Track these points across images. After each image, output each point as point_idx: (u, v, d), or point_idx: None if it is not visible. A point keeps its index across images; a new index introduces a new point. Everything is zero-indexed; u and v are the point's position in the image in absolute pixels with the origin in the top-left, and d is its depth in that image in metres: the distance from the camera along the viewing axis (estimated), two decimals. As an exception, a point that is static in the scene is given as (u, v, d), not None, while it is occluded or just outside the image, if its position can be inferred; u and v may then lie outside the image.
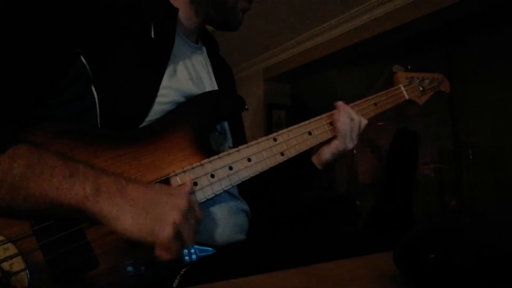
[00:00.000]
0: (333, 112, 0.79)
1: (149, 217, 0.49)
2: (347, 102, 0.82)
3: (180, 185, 0.58)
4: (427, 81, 0.95)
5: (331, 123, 0.78)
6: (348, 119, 0.78)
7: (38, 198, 0.47)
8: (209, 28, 0.84)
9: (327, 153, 0.80)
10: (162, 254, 0.50)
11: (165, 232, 0.49)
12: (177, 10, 0.68)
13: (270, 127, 3.60)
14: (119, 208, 0.48)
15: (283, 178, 0.86)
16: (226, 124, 0.80)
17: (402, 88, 0.91)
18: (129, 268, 0.52)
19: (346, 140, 0.78)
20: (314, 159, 0.83)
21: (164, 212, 0.50)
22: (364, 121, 0.81)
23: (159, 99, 0.61)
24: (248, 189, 0.80)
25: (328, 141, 0.80)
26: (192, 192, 0.59)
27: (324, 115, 0.78)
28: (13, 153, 0.48)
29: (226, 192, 0.67)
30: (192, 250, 0.59)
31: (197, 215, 0.55)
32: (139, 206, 0.49)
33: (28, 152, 0.48)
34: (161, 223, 0.49)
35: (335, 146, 0.79)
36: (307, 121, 0.74)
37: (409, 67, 0.95)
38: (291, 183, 0.87)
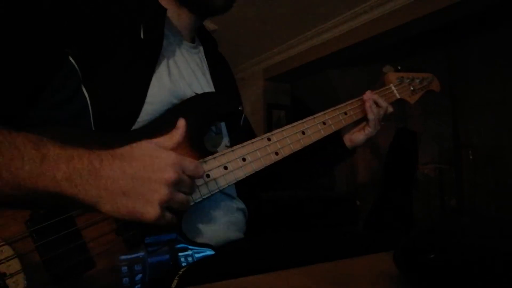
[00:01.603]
0: (326, 112, 0.81)
1: (130, 198, 0.46)
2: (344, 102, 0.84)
3: (165, 143, 0.52)
4: (417, 81, 0.97)
5: (324, 123, 0.79)
6: (376, 108, 0.85)
7: (13, 186, 0.45)
8: (209, 28, 0.84)
9: (359, 138, 0.87)
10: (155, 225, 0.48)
11: (150, 212, 0.46)
12: (165, 10, 0.67)
13: (270, 127, 3.61)
14: (94, 194, 0.45)
15: (316, 158, 0.89)
16: (223, 124, 0.79)
17: (393, 88, 0.92)
18: (125, 269, 0.51)
19: (376, 127, 0.86)
20: (347, 143, 0.88)
21: (147, 190, 0.46)
22: (390, 110, 0.88)
23: (149, 99, 0.61)
24: (246, 189, 0.80)
25: (361, 126, 0.88)
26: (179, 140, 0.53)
27: (317, 115, 0.79)
28: None
29: (222, 192, 0.67)
30: (190, 252, 0.59)
31: (190, 176, 0.51)
32: (116, 189, 0.46)
33: (0, 137, 0.46)
34: (144, 203, 0.46)
35: (368, 133, 0.86)
36: (300, 121, 0.75)
37: (399, 67, 0.97)
38: (322, 163, 0.91)
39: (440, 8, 2.23)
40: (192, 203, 0.56)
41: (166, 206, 0.48)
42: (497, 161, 2.78)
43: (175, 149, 0.52)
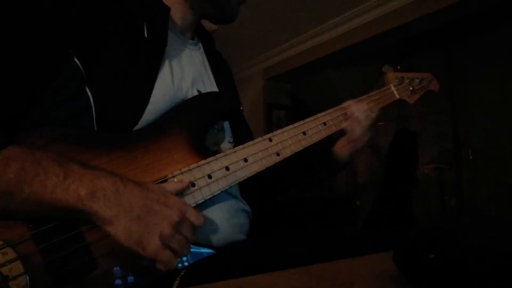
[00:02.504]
0: (327, 112, 0.80)
1: (142, 225, 0.49)
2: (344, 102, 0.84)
3: (177, 186, 0.56)
4: (416, 81, 0.97)
5: (325, 123, 0.79)
6: (363, 119, 0.81)
7: (33, 202, 0.46)
8: (209, 28, 0.84)
9: (345, 153, 0.84)
10: (155, 263, 0.50)
11: (152, 244, 0.48)
12: (169, 9, 0.67)
13: (270, 127, 3.61)
14: (114, 213, 0.48)
15: (306, 172, 0.88)
16: (225, 122, 0.79)
17: (393, 88, 0.92)
18: (117, 270, 0.51)
19: (359, 138, 0.82)
20: (335, 156, 0.86)
21: (154, 222, 0.49)
22: (373, 113, 0.83)
23: (153, 98, 0.61)
24: (249, 190, 0.80)
25: (342, 140, 0.84)
26: (185, 194, 0.58)
27: (318, 116, 0.78)
28: (7, 156, 0.47)
29: (226, 192, 0.67)
30: (184, 258, 0.59)
31: (192, 224, 0.53)
32: (133, 212, 0.48)
33: (23, 154, 0.47)
34: (149, 234, 0.49)
35: (352, 146, 0.83)
36: (302, 122, 0.75)
37: (398, 67, 0.96)
38: (314, 177, 0.90)
39: (440, 8, 2.23)
40: (190, 251, 0.58)
41: (165, 243, 0.50)
42: (497, 161, 2.78)
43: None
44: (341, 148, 0.85)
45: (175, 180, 0.58)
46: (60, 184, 0.47)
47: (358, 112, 0.81)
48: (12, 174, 0.46)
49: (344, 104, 0.83)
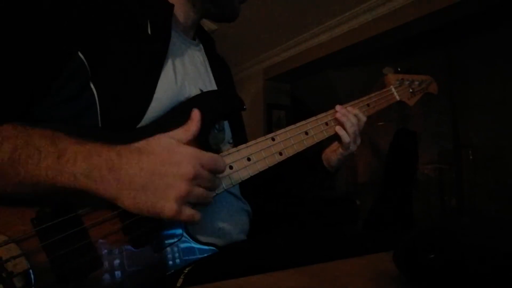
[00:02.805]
0: (329, 113, 0.80)
1: (149, 193, 0.46)
2: (344, 103, 0.84)
3: (182, 137, 0.51)
4: (416, 83, 0.98)
5: (327, 123, 0.79)
6: (351, 127, 0.79)
7: (30, 183, 0.45)
8: (209, 28, 0.84)
9: (334, 160, 0.83)
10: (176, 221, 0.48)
11: (168, 208, 0.46)
12: (172, 6, 0.68)
13: (270, 127, 3.61)
14: (114, 190, 0.45)
15: (296, 180, 0.88)
16: (225, 122, 0.80)
17: (393, 90, 0.93)
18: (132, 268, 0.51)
19: (350, 146, 0.81)
20: (325, 163, 0.85)
21: (165, 186, 0.46)
22: (363, 119, 0.83)
23: (157, 95, 0.61)
24: (250, 189, 0.80)
25: (331, 146, 0.84)
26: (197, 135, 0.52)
27: (320, 116, 0.79)
28: (0, 135, 0.46)
29: (228, 192, 0.67)
30: (177, 254, 0.58)
31: (210, 171, 0.49)
32: (135, 184, 0.46)
33: (15, 133, 0.46)
34: (162, 199, 0.46)
35: (340, 153, 0.82)
36: (304, 121, 0.75)
37: (398, 69, 0.97)
38: (304, 186, 0.89)
39: (440, 8, 2.23)
40: (213, 197, 0.54)
41: (184, 201, 0.47)
42: (497, 161, 2.78)
43: (191, 142, 0.51)
44: (330, 154, 0.84)
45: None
46: (54, 166, 0.45)
47: (345, 118, 0.79)
48: (5, 155, 0.45)
49: (345, 105, 0.83)
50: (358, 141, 0.82)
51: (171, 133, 0.51)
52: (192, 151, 0.48)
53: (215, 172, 0.51)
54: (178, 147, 0.49)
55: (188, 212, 0.47)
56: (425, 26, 2.49)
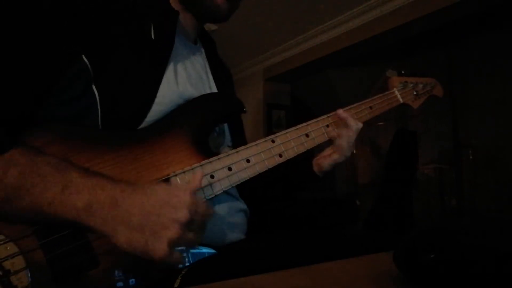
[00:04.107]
0: (330, 115, 0.80)
1: (144, 233, 0.47)
2: (346, 104, 0.83)
3: (183, 185, 0.55)
4: (420, 86, 0.98)
5: (328, 126, 0.78)
6: (345, 136, 0.78)
7: (32, 210, 0.46)
8: (209, 28, 0.84)
9: (326, 165, 0.82)
10: (162, 264, 0.49)
11: (160, 250, 0.47)
12: (177, 12, 0.68)
13: (270, 127, 3.61)
14: (112, 225, 0.47)
15: (283, 182, 0.87)
16: (225, 124, 0.80)
17: (397, 92, 0.93)
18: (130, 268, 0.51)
19: (344, 152, 0.79)
20: (315, 167, 0.84)
21: (159, 227, 0.47)
22: (359, 126, 0.80)
23: (158, 99, 0.61)
24: (248, 189, 0.80)
25: (326, 151, 0.82)
26: (197, 190, 0.55)
27: (320, 118, 0.78)
28: (9, 160, 0.47)
29: (225, 192, 0.67)
30: (184, 254, 0.59)
31: (202, 218, 0.51)
32: (133, 223, 0.47)
33: (22, 160, 0.47)
34: (156, 241, 0.47)
35: (334, 159, 0.80)
36: (305, 124, 0.75)
37: (402, 72, 0.97)
38: (291, 187, 0.88)
39: (440, 8, 2.23)
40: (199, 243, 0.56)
41: (175, 245, 0.49)
42: (497, 161, 2.78)
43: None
44: (323, 159, 0.82)
45: (178, 179, 0.58)
46: (58, 197, 0.46)
47: (348, 119, 0.78)
48: (11, 180, 0.46)
49: (347, 108, 0.83)
50: (353, 147, 0.81)
51: (173, 182, 0.54)
52: (190, 198, 0.51)
53: (206, 218, 0.53)
54: (178, 191, 0.51)
55: (176, 256, 0.49)
56: (425, 26, 2.49)
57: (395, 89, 0.93)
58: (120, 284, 0.51)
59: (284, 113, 3.79)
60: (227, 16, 0.75)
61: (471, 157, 2.98)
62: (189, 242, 0.51)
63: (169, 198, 0.49)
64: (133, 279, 0.52)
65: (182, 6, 0.73)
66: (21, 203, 0.46)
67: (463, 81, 3.02)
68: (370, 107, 0.86)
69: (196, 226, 0.51)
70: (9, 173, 0.46)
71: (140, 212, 0.48)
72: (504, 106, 2.73)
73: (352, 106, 0.84)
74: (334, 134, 0.78)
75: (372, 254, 0.57)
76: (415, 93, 0.96)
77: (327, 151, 0.83)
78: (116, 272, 0.51)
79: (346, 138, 0.78)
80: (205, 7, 0.72)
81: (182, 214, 0.48)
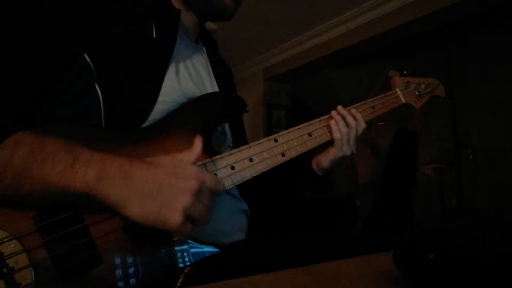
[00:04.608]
0: (329, 116, 0.80)
1: (157, 202, 0.47)
2: (346, 104, 0.83)
3: (187, 156, 0.54)
4: (423, 86, 0.98)
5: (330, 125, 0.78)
6: (344, 127, 0.79)
7: (42, 187, 0.46)
8: (209, 28, 0.84)
9: (325, 161, 0.82)
10: (174, 235, 0.49)
11: (174, 218, 0.47)
12: (179, 11, 0.68)
13: (270, 127, 3.61)
14: (125, 195, 0.46)
15: (283, 183, 0.87)
16: (226, 124, 0.80)
17: (399, 92, 0.93)
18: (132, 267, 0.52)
19: (343, 148, 0.79)
20: (314, 166, 0.84)
21: (172, 196, 0.48)
22: (362, 125, 0.81)
23: (161, 98, 0.62)
24: (248, 190, 0.80)
25: (326, 149, 0.82)
26: (202, 164, 0.55)
27: (323, 118, 0.78)
28: (16, 140, 0.47)
29: (226, 192, 0.67)
30: (186, 247, 0.59)
31: (210, 191, 0.52)
32: (145, 191, 0.47)
33: (30, 139, 0.48)
34: (169, 209, 0.47)
35: (332, 154, 0.80)
36: (307, 123, 0.75)
37: (405, 72, 0.97)
38: (291, 187, 0.88)
39: (440, 8, 2.23)
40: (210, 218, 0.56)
41: (188, 214, 0.48)
42: (497, 161, 2.78)
43: (194, 163, 0.54)
44: (322, 156, 0.83)
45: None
46: (67, 171, 0.46)
47: (337, 128, 0.79)
48: (21, 159, 0.46)
49: (349, 107, 0.83)
50: (353, 145, 0.81)
51: (177, 154, 0.54)
52: (197, 169, 0.52)
53: (215, 192, 0.54)
54: (185, 164, 0.52)
55: (188, 227, 0.49)
56: (425, 26, 2.49)
57: (397, 89, 0.93)
58: (120, 284, 0.51)
59: (284, 113, 3.79)
60: (232, 14, 0.75)
61: (471, 157, 2.97)
62: (201, 213, 0.50)
63: (177, 170, 0.50)
64: (134, 279, 0.52)
65: (184, 5, 0.73)
66: (30, 181, 0.46)
67: (463, 81, 3.02)
68: (373, 107, 0.86)
69: (206, 197, 0.51)
70: (18, 152, 0.46)
71: (152, 183, 0.48)
72: (504, 106, 2.73)
73: (355, 105, 0.84)
74: (331, 124, 0.78)
75: (372, 254, 0.57)
76: (417, 93, 0.96)
77: (327, 150, 0.84)
78: (118, 271, 0.51)
79: (345, 133, 0.78)
80: (212, 6, 0.72)
81: (192, 183, 0.49)
